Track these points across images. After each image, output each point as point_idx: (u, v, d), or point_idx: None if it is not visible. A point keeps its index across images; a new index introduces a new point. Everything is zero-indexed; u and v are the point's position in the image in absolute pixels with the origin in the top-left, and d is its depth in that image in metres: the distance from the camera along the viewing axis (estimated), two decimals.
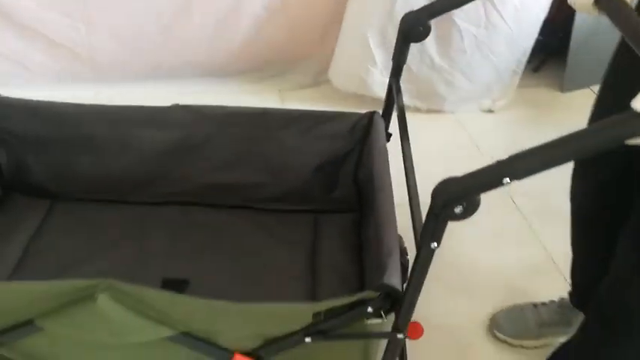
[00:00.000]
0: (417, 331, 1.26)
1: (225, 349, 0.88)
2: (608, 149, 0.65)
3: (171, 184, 1.32)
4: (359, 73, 1.98)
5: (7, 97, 1.21)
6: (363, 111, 1.17)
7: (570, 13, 1.93)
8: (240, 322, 0.84)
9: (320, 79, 2.15)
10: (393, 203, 1.00)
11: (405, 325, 0.85)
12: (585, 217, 1.16)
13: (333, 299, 0.82)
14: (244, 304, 0.81)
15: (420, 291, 0.81)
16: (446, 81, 2.00)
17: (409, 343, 1.11)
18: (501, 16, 1.84)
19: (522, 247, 1.57)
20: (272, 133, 1.25)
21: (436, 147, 1.89)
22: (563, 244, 1.23)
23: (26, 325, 0.86)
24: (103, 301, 0.80)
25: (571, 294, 1.30)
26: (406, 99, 1.92)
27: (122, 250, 1.24)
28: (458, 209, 0.68)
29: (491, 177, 0.67)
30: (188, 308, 0.82)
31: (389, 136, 1.19)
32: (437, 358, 1.29)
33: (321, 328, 0.85)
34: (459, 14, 1.85)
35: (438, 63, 1.95)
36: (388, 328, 0.87)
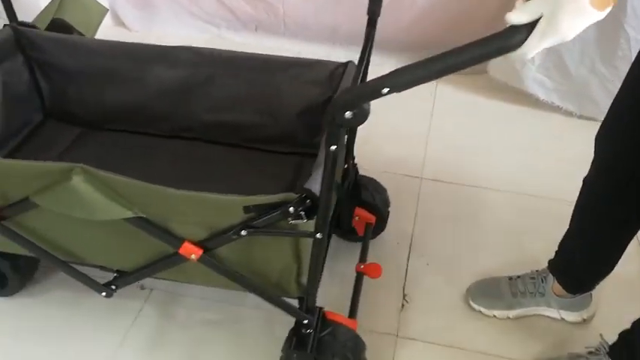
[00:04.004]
0: (377, 271, 1.40)
1: (177, 236, 1.05)
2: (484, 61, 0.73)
3: (179, 120, 1.51)
4: (515, 66, 2.03)
5: (46, 32, 1.43)
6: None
7: None
8: (185, 209, 1.00)
9: (480, 68, 2.21)
10: None
11: (322, 226, 0.97)
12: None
13: (260, 196, 0.96)
14: (186, 192, 0.98)
15: (331, 192, 0.93)
16: (604, 89, 1.91)
17: None
18: None
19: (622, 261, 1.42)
20: (266, 77, 1.40)
21: (578, 155, 1.77)
22: None
23: (24, 201, 1.07)
24: (77, 181, 0.98)
25: (552, 260, 1.37)
26: (559, 101, 2.02)
27: (127, 172, 1.44)
28: (348, 115, 0.80)
29: (373, 88, 0.76)
30: (142, 192, 0.99)
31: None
32: None
33: (254, 224, 1.00)
34: (630, 21, 1.76)
35: (599, 68, 1.86)
36: None
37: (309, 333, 1.14)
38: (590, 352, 1.25)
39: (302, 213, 0.96)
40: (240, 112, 1.47)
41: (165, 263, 1.11)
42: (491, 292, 1.43)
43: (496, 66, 2.14)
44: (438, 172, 1.84)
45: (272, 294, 1.12)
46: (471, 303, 1.43)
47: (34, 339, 1.35)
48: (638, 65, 1.01)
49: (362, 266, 1.36)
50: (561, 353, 1.30)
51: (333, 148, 0.86)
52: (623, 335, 1.20)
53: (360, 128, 1.23)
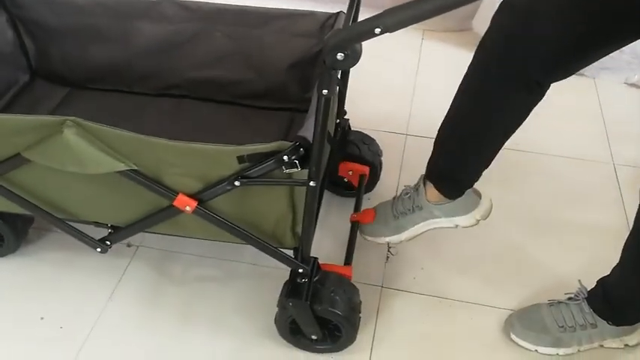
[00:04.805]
0: (369, 216, 1.39)
1: (171, 189, 1.05)
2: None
3: (165, 78, 1.49)
4: None
5: None
6: None
7: None
8: (177, 160, 1.00)
9: (465, 25, 2.25)
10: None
11: (315, 173, 0.98)
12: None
13: (253, 145, 0.96)
14: (179, 142, 0.97)
15: (324, 139, 0.93)
16: None
17: None
18: None
19: (603, 212, 1.58)
20: (252, 31, 1.39)
21: (560, 110, 1.85)
22: None
23: (15, 157, 1.06)
24: (68, 134, 0.98)
25: (432, 166, 1.28)
26: None
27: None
28: (340, 56, 0.80)
29: (365, 27, 0.76)
30: (134, 144, 0.99)
31: None
32: None
33: (248, 174, 1.00)
34: None
35: None
36: None
37: (304, 282, 1.15)
38: (570, 298, 1.26)
39: (296, 162, 0.96)
40: (228, 67, 1.46)
41: (160, 216, 1.11)
42: (377, 220, 1.36)
43: (481, 22, 2.12)
44: (423, 129, 1.84)
45: (268, 245, 1.12)
46: (363, 236, 1.38)
47: (25, 296, 1.35)
48: None
49: (355, 215, 1.37)
50: (542, 300, 1.31)
51: (325, 92, 0.85)
52: (601, 282, 1.22)
53: None
